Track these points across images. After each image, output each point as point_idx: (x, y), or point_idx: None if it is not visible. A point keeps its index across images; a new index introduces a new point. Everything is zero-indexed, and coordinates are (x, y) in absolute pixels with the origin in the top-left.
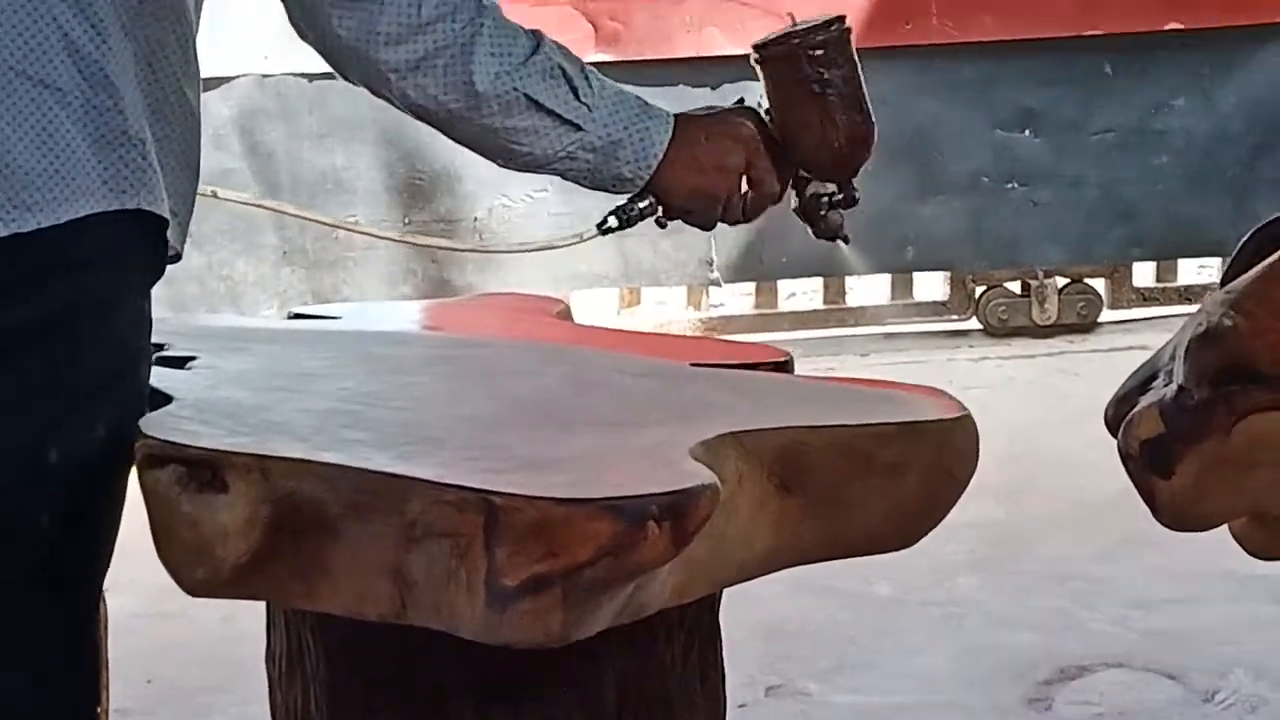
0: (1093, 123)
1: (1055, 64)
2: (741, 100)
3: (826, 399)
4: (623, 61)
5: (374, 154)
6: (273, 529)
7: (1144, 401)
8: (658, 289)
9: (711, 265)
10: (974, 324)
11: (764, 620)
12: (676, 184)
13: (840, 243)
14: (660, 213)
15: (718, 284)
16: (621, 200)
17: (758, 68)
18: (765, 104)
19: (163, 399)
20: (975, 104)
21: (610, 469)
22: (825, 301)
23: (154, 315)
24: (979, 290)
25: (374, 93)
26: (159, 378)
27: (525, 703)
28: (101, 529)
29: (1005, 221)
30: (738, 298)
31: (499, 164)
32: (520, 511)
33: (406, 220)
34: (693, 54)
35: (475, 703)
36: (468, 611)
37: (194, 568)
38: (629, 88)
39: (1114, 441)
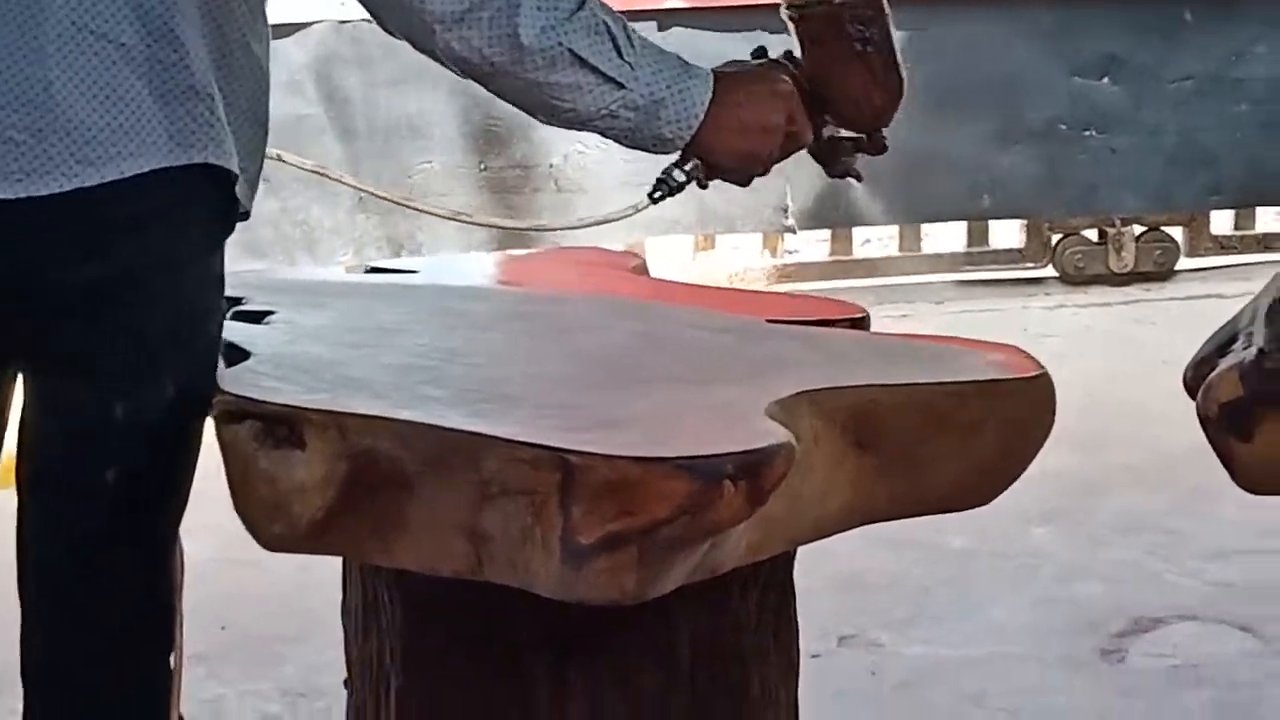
0: (1171, 70)
1: (1134, 11)
2: (763, 50)
3: (903, 356)
4: (701, 8)
5: (449, 100)
6: (349, 485)
7: (1223, 364)
8: (733, 235)
9: (786, 212)
10: (1050, 272)
11: (838, 571)
12: (719, 144)
13: (853, 180)
14: (704, 174)
15: (793, 231)
16: (665, 163)
17: (792, 24)
18: (797, 55)
19: (240, 354)
20: (1053, 51)
21: (686, 427)
22: (900, 249)
23: (230, 266)
24: (1055, 238)
25: (414, 45)
26: (237, 332)
27: (599, 657)
28: (173, 482)
29: (1082, 169)
30: (813, 244)
31: (540, 119)
32: (596, 470)
33: (482, 166)
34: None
35: (550, 658)
36: (543, 569)
37: (271, 523)
38: (707, 34)
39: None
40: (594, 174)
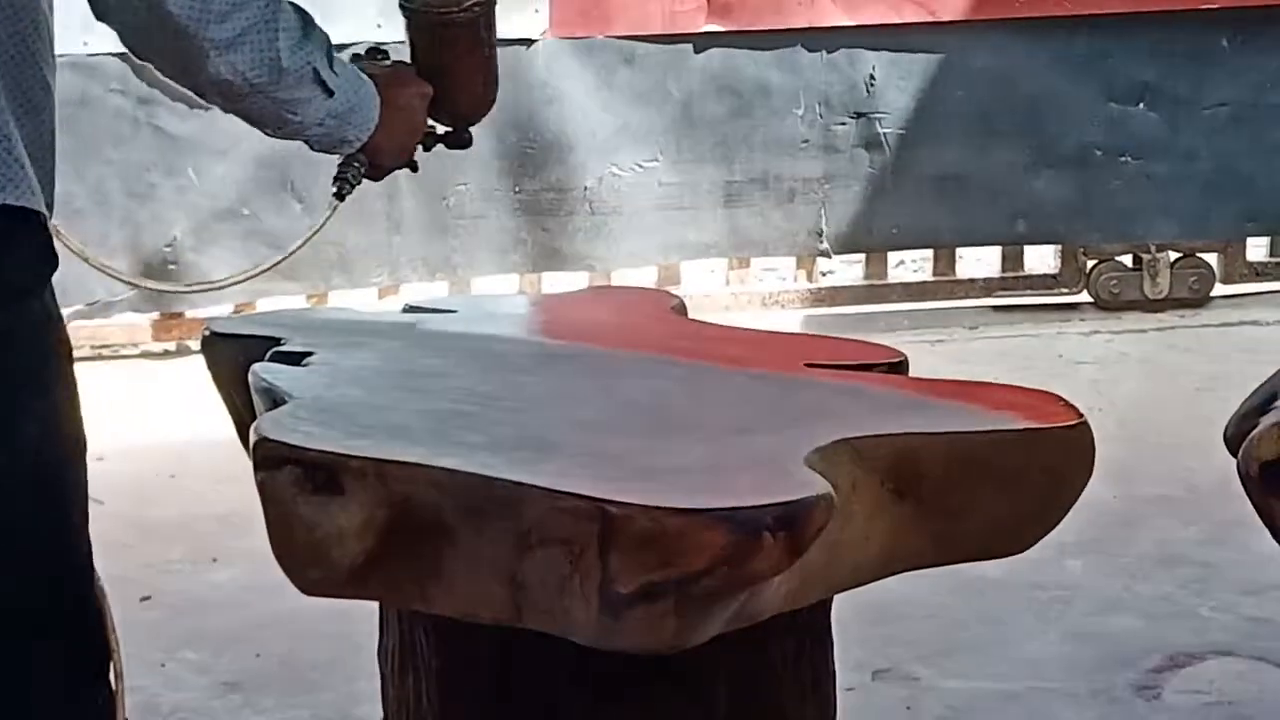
0: (1207, 96)
1: (1170, 37)
2: (378, 49)
3: (941, 403)
4: (737, 31)
5: (485, 122)
6: (388, 532)
7: (1265, 422)
8: (767, 259)
9: (821, 236)
10: (1085, 297)
11: (872, 603)
12: (385, 143)
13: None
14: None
15: (827, 255)
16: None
17: (433, 31)
18: (412, 58)
19: (280, 397)
20: (1089, 77)
21: (725, 478)
22: (935, 273)
23: (265, 288)
24: (1090, 263)
25: (174, 74)
26: (277, 375)
27: (636, 704)
28: (52, 524)
29: (1118, 194)
30: (847, 267)
31: (266, 133)
32: (635, 521)
33: (516, 189)
34: (805, 25)
35: (586, 703)
36: (582, 617)
37: (309, 568)
38: (742, 54)
39: (1224, 420)
40: (628, 196)
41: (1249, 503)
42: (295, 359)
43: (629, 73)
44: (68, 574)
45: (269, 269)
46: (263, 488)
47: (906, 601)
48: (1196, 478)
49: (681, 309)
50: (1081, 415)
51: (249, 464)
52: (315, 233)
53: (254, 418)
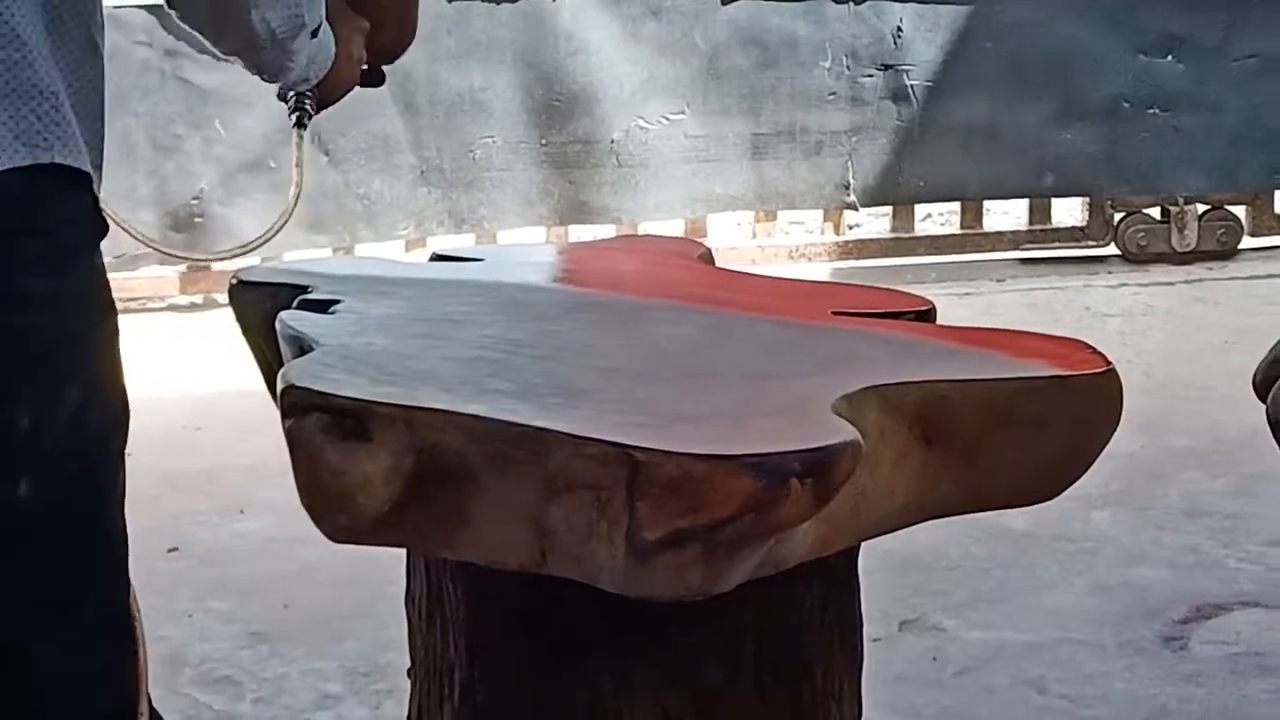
0: (1236, 48)
1: None
2: None
3: (969, 350)
4: None
5: (512, 75)
6: (415, 479)
7: None
8: (794, 212)
9: (848, 188)
10: (1112, 250)
11: (899, 553)
12: (335, 77)
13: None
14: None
15: (854, 207)
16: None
17: None
18: None
19: (307, 344)
20: (1118, 29)
21: (752, 424)
22: (962, 226)
23: (291, 241)
24: (1118, 216)
25: (200, 25)
26: (304, 322)
27: (663, 652)
28: (94, 489)
29: (1146, 147)
30: (874, 220)
31: (263, 79)
32: (662, 467)
33: (543, 141)
34: None
35: (614, 652)
36: (608, 564)
37: (336, 515)
38: (768, 6)
39: (1251, 373)
40: (655, 149)
41: (1276, 454)
42: (323, 307)
43: (655, 25)
44: (103, 541)
45: (280, 227)
46: (290, 434)
47: (933, 553)
48: (1224, 430)
49: (708, 257)
50: (1110, 363)
51: (275, 416)
52: (300, 176)
53: (281, 366)
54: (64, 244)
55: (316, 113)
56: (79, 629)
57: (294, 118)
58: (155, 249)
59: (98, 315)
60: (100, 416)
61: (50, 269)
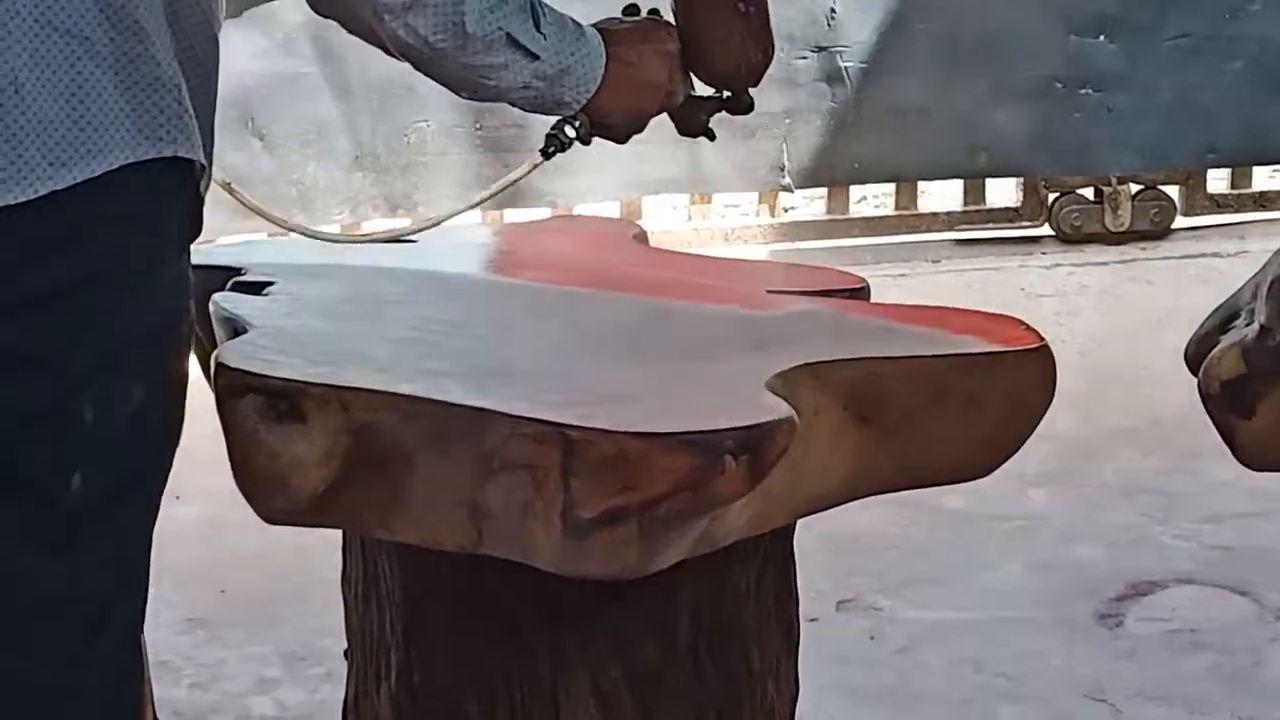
0: (1167, 28)
1: None
2: (635, 7)
3: (903, 327)
4: None
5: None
6: (351, 460)
7: (1225, 341)
8: (729, 194)
9: (783, 171)
10: (1046, 230)
11: (835, 534)
12: (610, 104)
13: (706, 139)
14: (589, 131)
15: (789, 189)
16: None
17: None
18: (661, 13)
19: (241, 326)
20: (1050, 9)
21: (687, 402)
22: (897, 207)
23: (225, 226)
24: (1051, 196)
25: (350, 29)
26: (237, 304)
27: (599, 631)
28: (144, 496)
29: (1079, 127)
30: (810, 202)
31: (462, 96)
32: (597, 445)
33: (478, 125)
34: None
35: (550, 631)
36: (544, 543)
37: (271, 497)
38: None
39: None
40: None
41: (1210, 432)
42: (256, 289)
43: (587, 8)
44: (139, 551)
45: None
46: (224, 416)
47: (869, 533)
48: (1158, 408)
49: (643, 238)
50: (1043, 339)
51: (211, 402)
52: (509, 184)
53: (215, 348)
54: (165, 241)
55: (587, 142)
56: (110, 639)
57: (544, 143)
58: (298, 230)
59: (176, 318)
60: (160, 421)
61: (148, 266)
